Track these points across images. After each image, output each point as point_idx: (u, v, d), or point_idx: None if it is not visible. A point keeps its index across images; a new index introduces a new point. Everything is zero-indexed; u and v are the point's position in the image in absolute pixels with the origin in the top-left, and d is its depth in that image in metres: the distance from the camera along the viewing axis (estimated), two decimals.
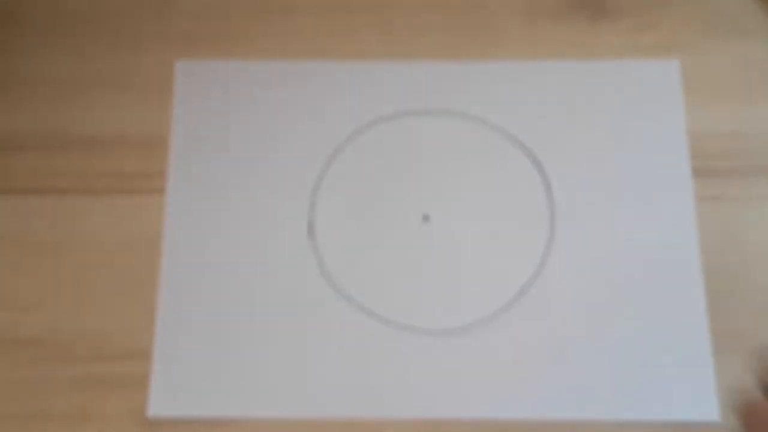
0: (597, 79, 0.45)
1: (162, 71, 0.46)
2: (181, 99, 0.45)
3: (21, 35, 0.47)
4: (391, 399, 0.40)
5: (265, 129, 0.45)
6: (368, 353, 0.40)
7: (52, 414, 0.40)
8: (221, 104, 0.45)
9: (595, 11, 0.47)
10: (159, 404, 0.40)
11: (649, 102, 0.44)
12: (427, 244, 0.42)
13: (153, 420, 0.39)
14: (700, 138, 0.44)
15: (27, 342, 0.41)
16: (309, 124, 0.45)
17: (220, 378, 0.40)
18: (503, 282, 0.42)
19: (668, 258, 0.42)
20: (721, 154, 0.44)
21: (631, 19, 0.47)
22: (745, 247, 0.42)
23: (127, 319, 0.41)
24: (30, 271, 0.42)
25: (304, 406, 0.40)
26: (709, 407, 0.39)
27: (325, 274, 0.42)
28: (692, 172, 0.43)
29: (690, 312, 0.38)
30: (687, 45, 0.46)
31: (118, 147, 0.44)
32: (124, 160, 0.44)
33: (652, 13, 0.47)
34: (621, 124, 0.44)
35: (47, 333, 0.41)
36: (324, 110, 0.45)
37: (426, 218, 0.43)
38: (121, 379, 0.40)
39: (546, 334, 0.40)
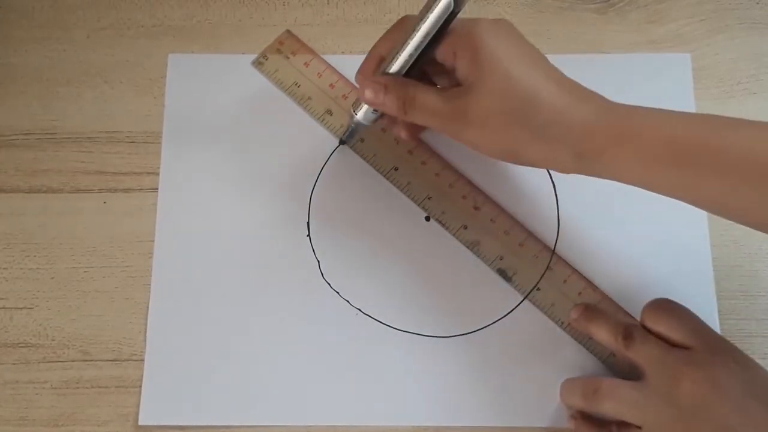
0: (607, 72, 0.44)
1: (154, 67, 0.44)
2: (173, 92, 0.44)
3: (10, 30, 0.45)
4: (387, 407, 0.39)
5: (259, 123, 0.43)
6: (366, 361, 0.39)
7: (40, 419, 0.39)
8: (214, 98, 0.44)
9: (603, 4, 0.46)
10: (151, 413, 0.39)
11: (661, 96, 0.43)
12: (430, 244, 0.41)
13: (144, 428, 0.39)
14: None
15: (15, 345, 0.40)
16: (307, 119, 0.43)
17: (213, 386, 0.39)
18: (508, 284, 0.41)
19: (680, 259, 0.41)
20: None
21: (640, 12, 0.45)
22: (758, 244, 0.41)
23: (119, 321, 0.40)
24: (19, 272, 0.41)
25: (298, 414, 0.39)
26: None
27: (324, 277, 0.41)
28: None
29: (701, 313, 0.37)
30: (696, 38, 0.45)
31: (110, 144, 0.43)
32: (116, 157, 0.43)
33: (661, 6, 0.46)
34: None
35: (36, 335, 0.40)
36: None
37: (428, 219, 0.42)
38: (112, 383, 0.39)
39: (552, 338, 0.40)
